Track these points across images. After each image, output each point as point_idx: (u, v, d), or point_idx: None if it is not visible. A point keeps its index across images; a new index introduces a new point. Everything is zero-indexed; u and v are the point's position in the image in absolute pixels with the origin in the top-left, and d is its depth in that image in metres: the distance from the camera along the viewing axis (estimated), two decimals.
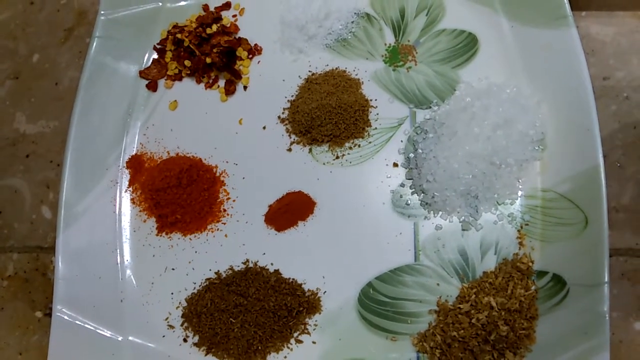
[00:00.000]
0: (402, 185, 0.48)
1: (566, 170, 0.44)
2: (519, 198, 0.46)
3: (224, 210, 0.49)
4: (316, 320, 0.45)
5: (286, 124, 0.50)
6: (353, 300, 0.45)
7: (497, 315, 0.41)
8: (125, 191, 0.50)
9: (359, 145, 0.49)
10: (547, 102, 0.47)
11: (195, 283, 0.47)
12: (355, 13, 0.53)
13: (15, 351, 0.49)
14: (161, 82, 0.53)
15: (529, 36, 0.49)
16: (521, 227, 0.45)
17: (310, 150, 0.49)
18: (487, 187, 0.45)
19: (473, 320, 0.41)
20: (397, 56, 0.51)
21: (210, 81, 0.53)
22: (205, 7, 0.55)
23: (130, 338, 0.45)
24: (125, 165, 0.51)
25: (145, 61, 0.54)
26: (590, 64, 0.46)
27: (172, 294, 0.47)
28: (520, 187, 0.46)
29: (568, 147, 0.45)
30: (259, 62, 0.53)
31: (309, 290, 0.46)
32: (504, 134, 0.45)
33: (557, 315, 0.41)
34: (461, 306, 0.43)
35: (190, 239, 0.48)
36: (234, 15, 0.55)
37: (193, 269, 0.47)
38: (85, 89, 0.50)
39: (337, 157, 0.49)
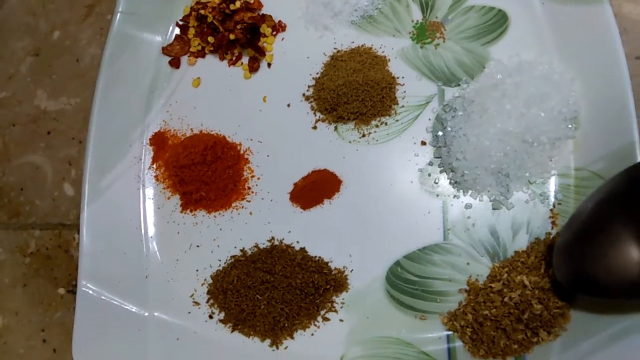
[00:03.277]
0: (431, 163, 0.47)
1: (600, 149, 0.43)
2: (551, 177, 0.45)
3: (249, 188, 0.48)
4: (343, 299, 0.44)
5: (311, 102, 0.50)
6: (381, 278, 0.44)
7: (531, 294, 0.40)
8: (149, 168, 0.50)
9: (386, 123, 0.48)
10: (581, 79, 0.45)
11: (220, 260, 0.47)
12: None
13: (38, 328, 0.49)
14: (184, 59, 0.52)
15: (560, 13, 0.47)
16: (554, 206, 0.44)
17: (336, 128, 0.49)
18: (518, 165, 0.44)
19: (506, 299, 0.41)
20: (424, 33, 0.50)
21: (234, 58, 0.52)
22: None
23: (155, 314, 0.45)
24: (148, 142, 0.50)
25: (168, 37, 0.53)
26: (622, 43, 0.45)
27: (197, 270, 0.46)
28: (552, 165, 0.45)
29: (602, 125, 0.43)
30: (283, 39, 0.52)
31: (335, 269, 0.45)
32: (536, 112, 0.44)
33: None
34: (493, 285, 0.42)
35: (215, 216, 0.48)
36: None
37: (218, 246, 0.47)
38: (108, 65, 0.49)
39: (364, 135, 0.48)
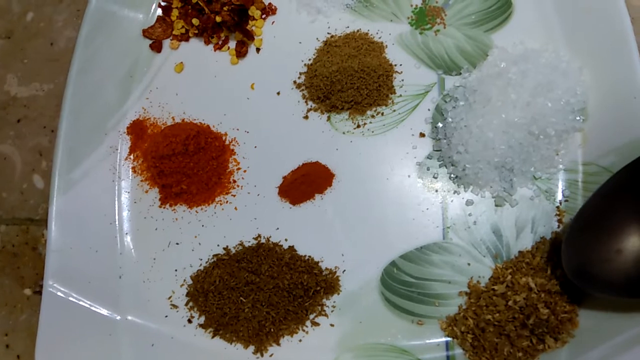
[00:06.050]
0: (429, 157, 0.44)
1: (610, 142, 0.41)
2: (558, 172, 0.42)
3: (234, 182, 0.45)
4: (334, 302, 0.42)
5: (302, 90, 0.47)
6: (375, 280, 0.42)
7: (537, 297, 0.38)
8: (126, 159, 0.46)
9: (382, 114, 0.45)
10: (589, 68, 0.43)
11: (201, 259, 0.44)
12: None
13: (1, 332, 0.45)
14: (166, 43, 0.49)
15: None
16: (560, 204, 0.42)
17: (329, 118, 0.46)
18: (523, 159, 0.41)
19: (510, 303, 0.38)
20: (424, 18, 0.47)
21: (220, 42, 0.49)
22: None
23: (129, 318, 0.42)
24: (125, 130, 0.47)
25: (149, 18, 0.49)
26: None
27: (176, 270, 0.44)
28: (559, 160, 0.42)
29: (612, 116, 0.41)
30: (273, 22, 0.49)
31: (326, 269, 0.42)
32: (543, 101, 0.41)
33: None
34: (495, 287, 0.39)
35: (197, 211, 0.45)
36: None
37: (199, 244, 0.44)
38: (83, 46, 0.46)
39: (358, 126, 0.45)
